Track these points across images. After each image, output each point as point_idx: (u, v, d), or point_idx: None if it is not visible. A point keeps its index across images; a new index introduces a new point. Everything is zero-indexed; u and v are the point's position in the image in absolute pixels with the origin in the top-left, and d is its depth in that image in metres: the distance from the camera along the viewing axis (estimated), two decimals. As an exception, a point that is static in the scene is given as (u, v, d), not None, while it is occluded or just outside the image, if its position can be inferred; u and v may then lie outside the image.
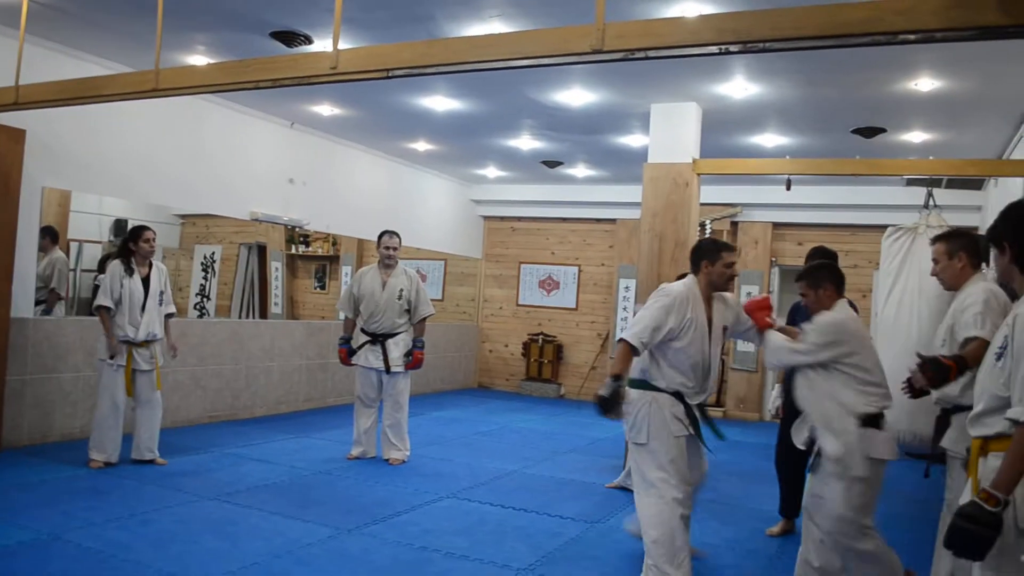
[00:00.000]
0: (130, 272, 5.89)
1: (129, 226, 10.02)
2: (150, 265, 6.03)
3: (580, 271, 12.04)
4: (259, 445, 7.03)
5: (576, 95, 6.95)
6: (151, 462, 6.01)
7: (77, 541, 4.25)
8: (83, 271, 9.37)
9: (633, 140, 8.46)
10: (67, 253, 8.77)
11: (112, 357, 5.81)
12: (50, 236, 7.59)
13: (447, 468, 6.57)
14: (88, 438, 5.99)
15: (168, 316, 6.16)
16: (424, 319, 6.68)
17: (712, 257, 3.93)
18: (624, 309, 11.41)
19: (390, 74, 4.11)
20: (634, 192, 8.35)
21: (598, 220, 11.93)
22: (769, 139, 8.09)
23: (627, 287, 11.39)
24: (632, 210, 10.37)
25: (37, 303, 6.93)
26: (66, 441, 6.52)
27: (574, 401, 11.57)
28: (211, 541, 4.39)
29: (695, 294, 3.89)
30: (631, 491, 5.95)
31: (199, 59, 6.45)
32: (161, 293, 6.04)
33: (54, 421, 6.55)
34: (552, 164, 10.13)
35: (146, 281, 5.96)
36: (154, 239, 6.01)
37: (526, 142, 9.02)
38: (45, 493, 5.12)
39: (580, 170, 10.56)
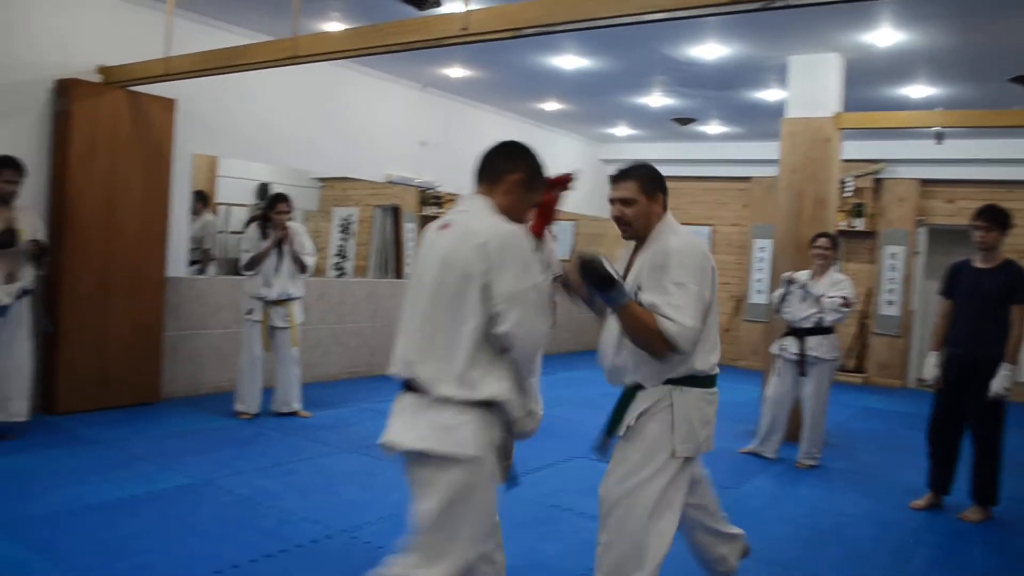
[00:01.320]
0: (265, 236, 6.14)
1: (271, 190, 10.46)
2: (286, 229, 6.25)
3: (714, 231, 11.74)
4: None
5: (710, 49, 6.72)
6: (293, 414, 6.30)
7: (228, 487, 4.52)
8: (231, 233, 9.86)
9: (769, 95, 8.14)
10: (216, 216, 9.25)
11: (250, 312, 6.13)
12: (201, 200, 8.02)
13: (577, 428, 6.58)
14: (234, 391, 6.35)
15: (301, 267, 6.25)
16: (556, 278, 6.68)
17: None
18: (759, 271, 11.08)
19: (520, 33, 4.10)
20: (769, 149, 8.05)
21: (732, 178, 11.59)
22: (917, 90, 7.61)
23: (762, 247, 11.05)
24: (767, 168, 10.00)
25: (191, 263, 7.35)
26: (217, 393, 6.92)
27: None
28: (351, 491, 4.58)
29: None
30: (765, 457, 5.86)
31: (334, 25, 6.60)
32: (292, 252, 6.19)
33: (205, 374, 6.97)
34: (684, 121, 9.88)
35: (280, 243, 6.18)
36: (288, 210, 6.19)
37: (657, 99, 8.82)
38: (199, 441, 5.46)
39: (713, 127, 10.26)
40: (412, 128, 8.94)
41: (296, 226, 6.40)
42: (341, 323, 8.23)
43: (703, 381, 2.92)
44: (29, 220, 5.15)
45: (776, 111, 7.41)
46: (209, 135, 6.90)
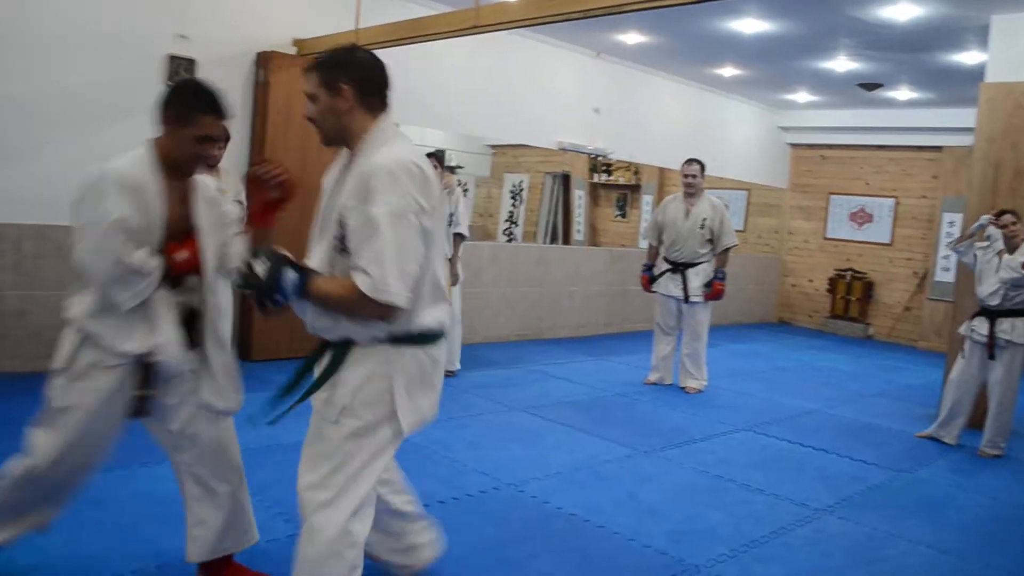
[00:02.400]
0: None
1: (446, 157, 10.79)
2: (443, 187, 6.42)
3: (897, 203, 11.12)
4: (562, 364, 7.41)
5: (902, 9, 6.35)
6: (447, 373, 6.50)
7: (406, 437, 4.80)
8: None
9: (967, 57, 7.59)
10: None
11: None
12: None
13: (744, 401, 6.51)
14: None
15: (456, 236, 6.27)
16: (727, 250, 6.57)
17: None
18: (947, 246, 10.42)
19: (700, -2, 4.04)
20: (965, 116, 7.54)
21: (920, 148, 10.90)
22: None
23: (951, 222, 10.35)
24: (961, 136, 9.34)
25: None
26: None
27: (883, 343, 10.85)
28: (519, 448, 4.75)
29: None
30: (945, 443, 5.58)
31: (513, -6, 6.71)
32: (451, 215, 6.27)
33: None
34: (870, 87, 9.37)
35: None
36: (437, 168, 6.33)
37: (842, 63, 8.42)
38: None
39: (902, 92, 9.68)
40: (585, 95, 8.97)
41: (456, 190, 6.44)
42: (512, 286, 8.45)
43: (422, 338, 2.38)
44: (232, 182, 5.60)
45: (974, 75, 6.92)
46: (392, 104, 7.19)
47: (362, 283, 2.15)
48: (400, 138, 2.39)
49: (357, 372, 2.34)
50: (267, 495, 3.67)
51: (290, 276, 2.22)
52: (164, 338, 2.47)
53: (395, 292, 2.16)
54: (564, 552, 3.38)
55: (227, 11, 6.13)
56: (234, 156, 6.08)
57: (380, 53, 6.19)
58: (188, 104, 2.49)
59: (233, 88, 6.21)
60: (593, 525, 3.69)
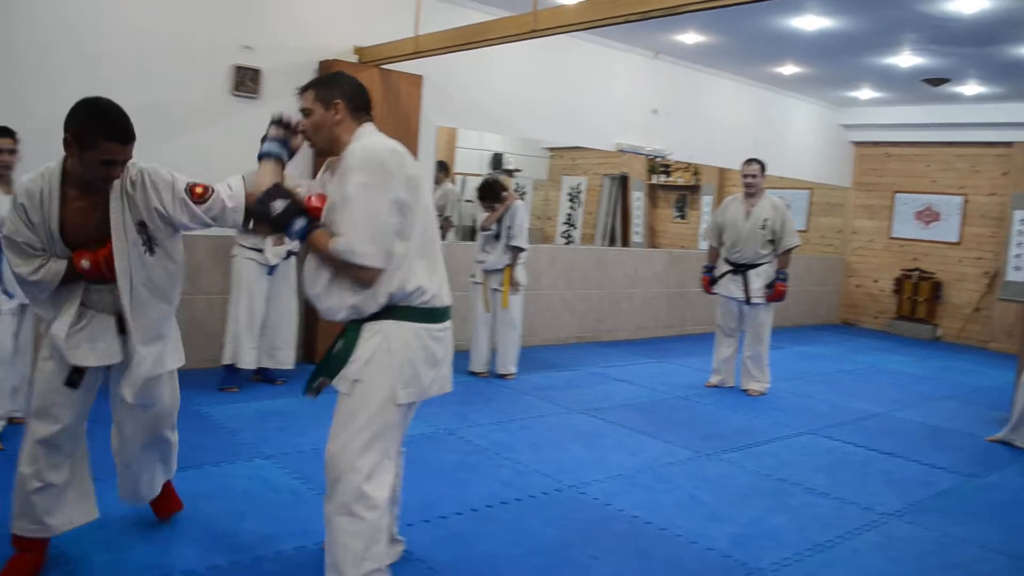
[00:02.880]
0: (486, 210, 6.45)
1: (504, 160, 10.86)
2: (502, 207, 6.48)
3: (966, 201, 10.83)
4: (621, 366, 7.40)
5: (969, 2, 6.20)
6: (504, 376, 6.57)
7: (468, 437, 4.86)
8: (467, 201, 10.37)
9: (1039, 50, 7.38)
10: (454, 184, 9.77)
11: (473, 276, 6.55)
12: (442, 169, 8.51)
13: (807, 404, 6.42)
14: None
15: (513, 248, 6.37)
16: (789, 250, 6.49)
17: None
18: (1018, 244, 10.12)
19: (762, -3, 4.01)
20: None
21: (990, 144, 10.59)
22: None
23: (1023, 219, 10.07)
24: (1034, 131, 9.09)
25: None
26: (456, 352, 7.33)
27: (952, 344, 10.58)
28: (580, 450, 4.77)
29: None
30: (1017, 447, 5.44)
31: (571, -3, 6.73)
32: (508, 228, 6.37)
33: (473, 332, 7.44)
34: (936, 82, 9.16)
35: (499, 219, 6.42)
36: (492, 208, 6.40)
37: (906, 59, 8.25)
38: (442, 395, 5.85)
39: (970, 87, 9.44)
40: (643, 96, 8.94)
41: (518, 205, 6.48)
42: (571, 289, 8.47)
43: (425, 314, 2.65)
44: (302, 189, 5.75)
45: (1047, 69, 6.73)
46: (451, 108, 7.29)
47: (336, 244, 2.48)
48: (376, 135, 2.68)
49: (366, 347, 2.61)
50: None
51: (299, 222, 2.53)
52: (56, 328, 2.81)
53: (363, 253, 2.47)
54: (626, 554, 3.40)
55: (291, 22, 6.27)
56: (299, 162, 6.23)
57: (439, 58, 6.31)
58: (93, 129, 2.66)
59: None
60: (655, 527, 3.69)
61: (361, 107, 2.71)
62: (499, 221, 6.37)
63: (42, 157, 5.04)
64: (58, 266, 2.74)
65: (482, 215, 6.47)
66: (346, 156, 2.56)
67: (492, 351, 6.67)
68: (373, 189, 2.48)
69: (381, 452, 2.62)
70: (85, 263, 2.74)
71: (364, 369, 2.59)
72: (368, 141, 2.60)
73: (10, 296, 4.14)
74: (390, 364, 2.59)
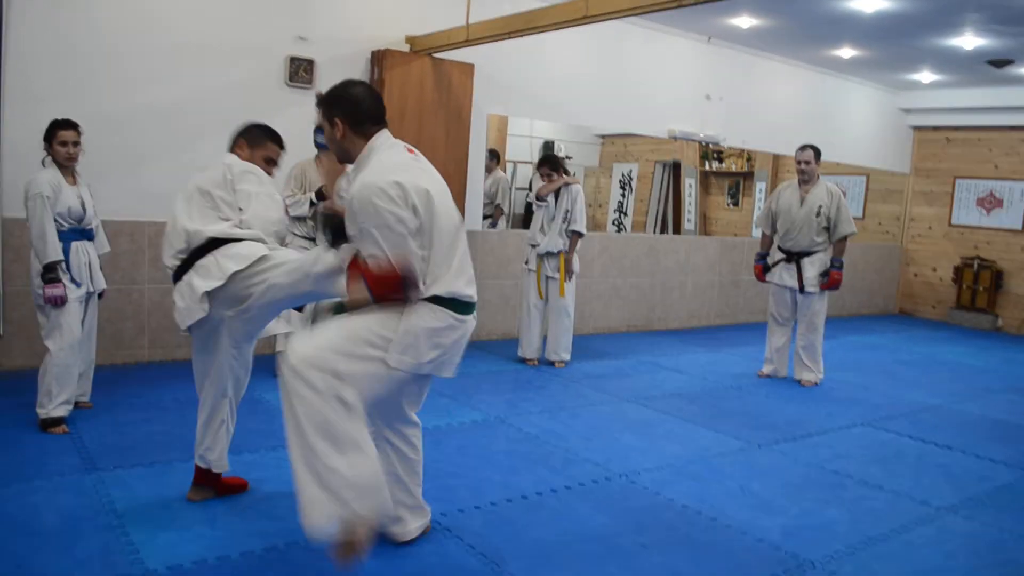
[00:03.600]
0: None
1: (556, 147, 10.85)
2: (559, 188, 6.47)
3: (1031, 186, 10.51)
4: (673, 355, 7.37)
5: (1038, -17, 6.02)
6: (554, 364, 6.59)
7: (519, 425, 4.90)
8: (517, 189, 10.40)
9: (1111, 31, 7.12)
10: (505, 172, 9.78)
11: (527, 262, 6.54)
12: (493, 157, 8.54)
13: (862, 395, 6.33)
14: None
15: (574, 233, 6.41)
16: (844, 238, 6.38)
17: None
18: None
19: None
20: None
21: (1057, 127, 10.26)
22: None
23: (1093, 205, 9.75)
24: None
25: (484, 217, 7.89)
26: (506, 339, 7.42)
27: (1014, 336, 10.30)
28: (631, 439, 4.78)
29: None
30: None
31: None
32: (567, 212, 6.40)
33: (497, 321, 7.49)
34: (1000, 64, 8.89)
35: (556, 199, 6.42)
36: (551, 175, 6.42)
37: (969, 40, 8.01)
38: (491, 382, 5.93)
39: (1037, 69, 9.15)
40: (696, 82, 8.84)
41: (579, 189, 6.52)
42: (622, 277, 8.44)
43: (443, 302, 2.79)
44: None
45: (1118, 50, 6.49)
46: (501, 96, 7.30)
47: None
48: (384, 150, 2.84)
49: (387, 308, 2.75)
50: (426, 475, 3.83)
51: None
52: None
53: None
54: (676, 543, 3.40)
55: (343, 12, 6.34)
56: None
57: (489, 46, 6.32)
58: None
59: (350, 86, 6.42)
60: (705, 517, 3.69)
61: (362, 121, 2.84)
62: (556, 201, 6.37)
63: (105, 149, 5.22)
64: None
65: (538, 185, 6.49)
66: (353, 196, 2.70)
67: (543, 338, 6.69)
68: (385, 228, 2.65)
69: (347, 368, 2.65)
70: None
71: (378, 320, 2.73)
72: (367, 174, 2.74)
73: (77, 284, 4.29)
74: (396, 325, 2.72)
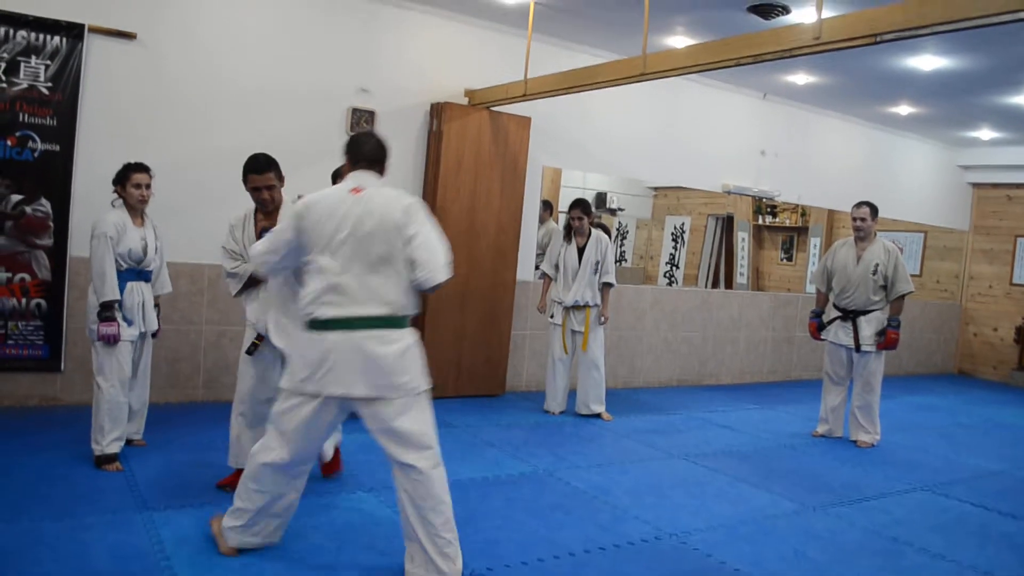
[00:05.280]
0: (569, 241, 6.44)
1: (609, 199, 10.86)
2: (588, 235, 6.45)
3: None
4: (724, 412, 7.26)
5: (1102, 42, 5.92)
6: (596, 416, 6.51)
7: (566, 479, 4.84)
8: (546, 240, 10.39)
9: None
10: (558, 223, 9.81)
11: (552, 316, 6.52)
12: (547, 208, 8.58)
13: (921, 458, 6.14)
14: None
15: (606, 285, 6.44)
16: (902, 297, 6.25)
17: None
18: None
19: (878, 39, 3.94)
20: None
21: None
22: None
23: None
24: None
25: (537, 267, 7.89)
26: (534, 390, 7.36)
27: (1081, 398, 9.94)
28: (681, 497, 4.69)
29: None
30: None
31: (679, 40, 6.73)
32: (597, 263, 6.39)
33: (544, 372, 7.44)
34: (1064, 122, 8.74)
35: (581, 251, 6.41)
36: (580, 215, 6.40)
37: (1030, 98, 7.91)
38: (539, 434, 5.88)
39: (1101, 128, 8.96)
40: (751, 137, 8.83)
41: (603, 237, 6.51)
42: (673, 331, 8.37)
43: (311, 324, 3.18)
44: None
45: None
46: (556, 148, 7.36)
47: None
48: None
49: None
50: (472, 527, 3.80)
51: None
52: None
53: (253, 263, 3.51)
54: (728, 608, 3.31)
55: (404, 66, 6.48)
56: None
57: (545, 101, 6.39)
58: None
59: (409, 136, 6.55)
60: (759, 582, 3.59)
61: (352, 161, 3.39)
62: (579, 255, 6.37)
63: (176, 194, 5.37)
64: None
65: (559, 244, 6.53)
66: None
67: (567, 390, 6.64)
68: (276, 231, 3.44)
69: (277, 422, 3.28)
70: None
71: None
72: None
73: (129, 323, 4.38)
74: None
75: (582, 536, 3.96)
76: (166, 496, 3.96)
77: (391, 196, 3.22)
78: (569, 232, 6.52)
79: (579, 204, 6.55)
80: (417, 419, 3.22)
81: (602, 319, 6.48)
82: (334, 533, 3.70)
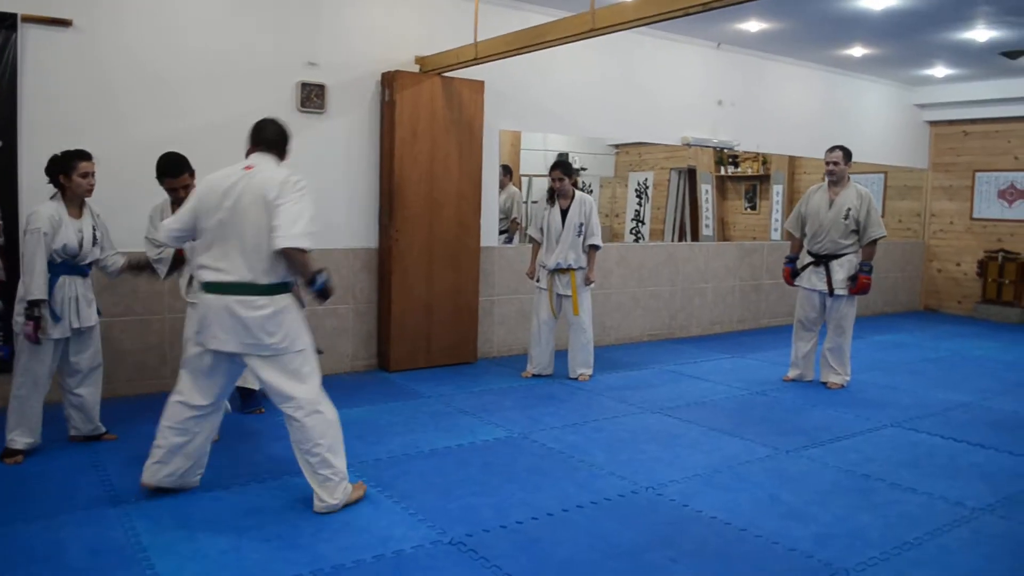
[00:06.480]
0: (552, 204, 6.38)
1: (569, 159, 10.81)
2: (572, 196, 6.38)
3: (1052, 177, 10.36)
4: (695, 363, 7.31)
5: (1049, -28, 5.94)
6: (577, 378, 6.53)
7: (542, 441, 4.86)
8: (533, 203, 10.37)
9: None
10: (519, 187, 9.77)
11: (538, 280, 6.45)
12: (506, 173, 8.54)
13: (890, 396, 6.24)
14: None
15: (592, 247, 6.35)
16: (874, 241, 6.27)
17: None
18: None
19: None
20: None
21: (1075, 116, 10.12)
22: None
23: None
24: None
25: (500, 232, 7.87)
26: (525, 354, 7.36)
27: (1044, 326, 10.14)
28: (655, 450, 4.73)
29: None
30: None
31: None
32: (581, 225, 6.31)
33: (517, 336, 7.46)
34: (1014, 54, 8.78)
35: (564, 213, 6.35)
36: (559, 176, 6.28)
37: (981, 32, 7.93)
38: (512, 398, 5.89)
39: (1053, 58, 9.03)
40: (708, 88, 8.81)
41: (587, 199, 6.43)
42: (641, 286, 8.39)
43: (200, 287, 3.64)
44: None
45: None
46: (512, 111, 7.29)
47: None
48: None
49: None
50: (411, 502, 3.80)
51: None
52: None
53: (160, 235, 3.91)
54: (706, 556, 3.35)
55: (351, 36, 6.36)
56: (365, 171, 6.38)
57: (498, 62, 6.32)
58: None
59: (362, 108, 6.45)
60: (735, 528, 3.63)
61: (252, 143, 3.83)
62: (563, 217, 6.30)
63: (125, 182, 5.26)
64: None
65: (544, 207, 6.45)
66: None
67: (553, 354, 6.63)
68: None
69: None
70: None
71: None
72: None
73: (57, 319, 4.23)
74: None
75: (559, 496, 3.98)
76: (139, 488, 3.92)
77: (273, 173, 3.58)
78: (552, 195, 6.45)
79: (559, 165, 6.40)
80: (286, 372, 3.60)
81: (588, 282, 6.45)
82: (314, 517, 3.68)
